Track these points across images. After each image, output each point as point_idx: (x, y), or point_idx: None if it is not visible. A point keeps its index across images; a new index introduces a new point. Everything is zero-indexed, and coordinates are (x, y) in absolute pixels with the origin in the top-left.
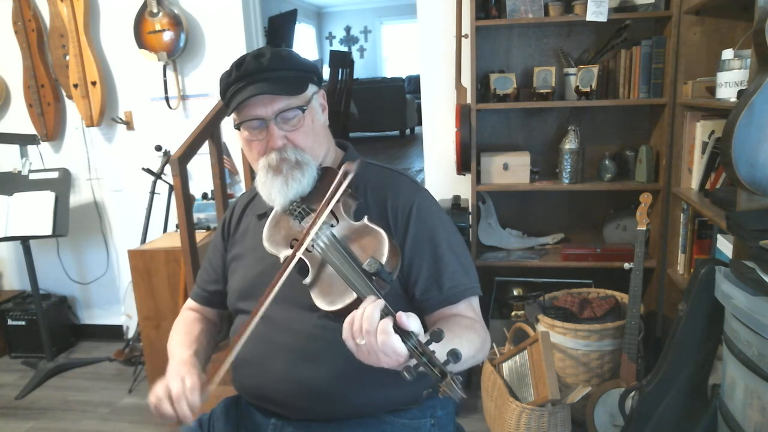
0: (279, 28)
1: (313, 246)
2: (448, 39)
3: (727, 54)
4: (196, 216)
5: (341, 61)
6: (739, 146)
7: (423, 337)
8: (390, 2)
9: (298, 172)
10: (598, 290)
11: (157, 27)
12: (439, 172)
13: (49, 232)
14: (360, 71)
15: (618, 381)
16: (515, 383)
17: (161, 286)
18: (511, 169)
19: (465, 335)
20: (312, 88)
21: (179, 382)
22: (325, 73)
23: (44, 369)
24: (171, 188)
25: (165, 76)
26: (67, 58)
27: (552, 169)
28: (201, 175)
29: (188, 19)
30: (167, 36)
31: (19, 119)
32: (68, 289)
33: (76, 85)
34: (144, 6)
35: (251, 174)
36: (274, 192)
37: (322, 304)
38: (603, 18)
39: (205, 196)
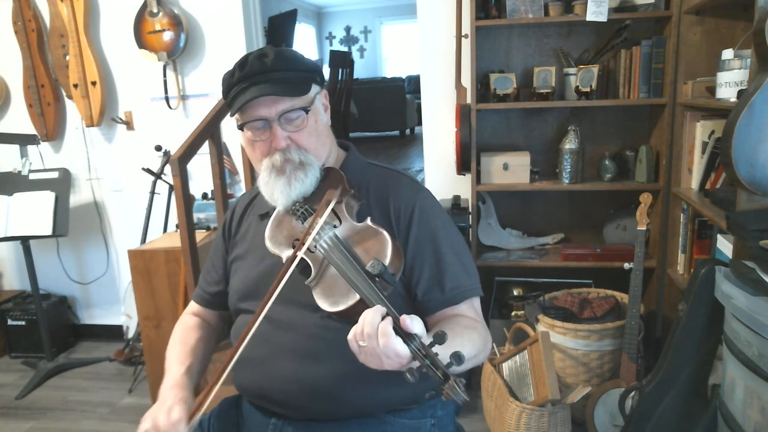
0: (279, 28)
1: (315, 246)
2: (448, 39)
3: (727, 54)
4: (196, 216)
5: (341, 61)
6: (739, 146)
7: (426, 340)
8: (390, 2)
9: (301, 173)
10: (598, 290)
11: (157, 27)
12: (439, 172)
13: (49, 232)
14: (360, 71)
15: (618, 381)
16: (515, 383)
17: (161, 286)
18: (511, 169)
19: (467, 336)
20: (315, 89)
21: (165, 415)
22: (325, 73)
23: (44, 369)
24: (171, 188)
25: (165, 76)
26: (67, 58)
27: (552, 169)
28: (201, 175)
29: (188, 19)
30: (167, 36)
31: (19, 119)
32: (68, 289)
33: (76, 85)
34: (144, 6)
35: (251, 174)
36: (277, 192)
37: (324, 304)
38: (603, 18)
39: (205, 196)
